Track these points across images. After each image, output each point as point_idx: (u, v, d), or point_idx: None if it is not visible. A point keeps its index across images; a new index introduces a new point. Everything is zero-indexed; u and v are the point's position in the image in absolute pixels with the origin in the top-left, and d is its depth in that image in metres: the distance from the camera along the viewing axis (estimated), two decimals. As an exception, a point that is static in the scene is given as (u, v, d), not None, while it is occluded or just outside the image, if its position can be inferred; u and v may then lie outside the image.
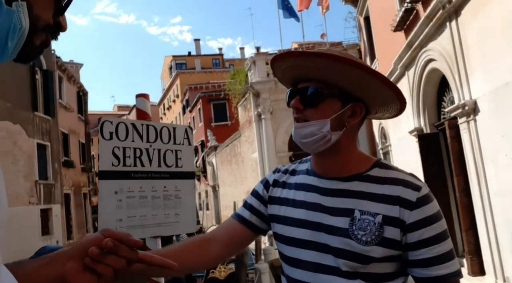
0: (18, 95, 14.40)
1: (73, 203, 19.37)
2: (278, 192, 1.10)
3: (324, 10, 15.69)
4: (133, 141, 1.89)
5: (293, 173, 1.12)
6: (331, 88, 0.95)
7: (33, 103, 15.51)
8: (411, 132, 7.53)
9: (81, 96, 23.06)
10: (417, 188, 0.91)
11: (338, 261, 0.91)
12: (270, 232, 1.12)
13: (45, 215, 15.44)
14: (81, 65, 26.95)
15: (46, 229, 15.34)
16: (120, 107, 51.78)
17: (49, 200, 15.81)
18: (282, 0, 15.93)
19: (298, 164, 1.15)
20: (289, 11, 16.09)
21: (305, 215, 0.99)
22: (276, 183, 1.12)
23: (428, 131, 7.21)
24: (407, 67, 7.72)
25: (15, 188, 13.44)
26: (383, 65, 9.18)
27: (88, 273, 0.64)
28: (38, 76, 16.27)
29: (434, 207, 0.90)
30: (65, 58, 21.92)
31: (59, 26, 0.64)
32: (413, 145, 7.43)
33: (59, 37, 0.66)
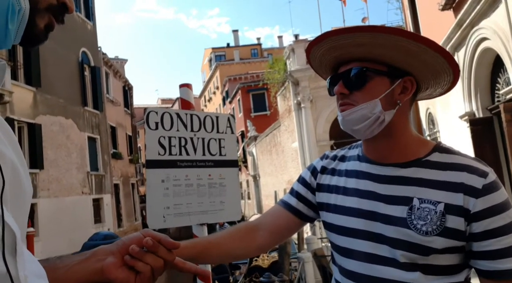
0: (69, 92, 15.26)
1: (122, 192, 20.35)
2: (327, 179, 1.05)
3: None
4: (177, 130, 1.92)
5: (343, 159, 1.06)
6: (376, 66, 0.89)
7: (83, 98, 16.37)
8: (462, 117, 7.11)
9: (127, 90, 24.01)
10: (483, 174, 0.83)
11: (395, 252, 0.86)
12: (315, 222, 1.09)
13: (97, 204, 16.37)
14: (126, 60, 28.01)
15: (98, 218, 16.27)
16: (164, 100, 53.37)
17: (100, 190, 16.74)
18: None
19: (347, 149, 1.09)
20: None
21: (357, 203, 0.94)
22: (324, 170, 1.07)
23: (481, 115, 6.77)
24: (456, 48, 7.27)
25: (69, 179, 14.35)
26: (429, 47, 8.69)
27: (126, 269, 0.66)
28: (86, 73, 17.11)
29: (502, 194, 0.83)
30: (110, 54, 22.88)
31: (64, 7, 0.61)
32: (464, 130, 7.02)
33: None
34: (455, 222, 0.82)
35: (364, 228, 0.91)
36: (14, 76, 12.12)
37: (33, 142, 12.66)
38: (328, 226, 1.02)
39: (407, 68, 0.89)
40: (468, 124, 6.88)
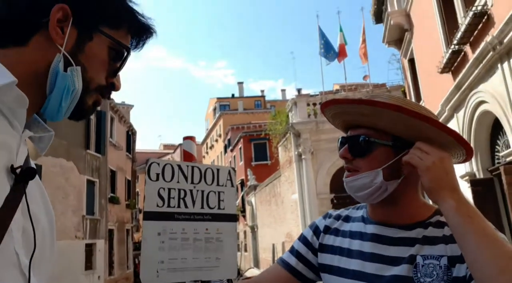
0: (73, 134, 15.44)
1: (116, 238, 19.81)
2: (330, 240, 1.03)
3: (364, 60, 15.83)
4: (178, 182, 1.92)
5: (347, 219, 1.05)
6: (382, 135, 0.90)
7: (86, 141, 16.53)
8: (462, 177, 7.10)
9: (130, 135, 24.29)
10: None
11: None
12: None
13: (89, 250, 15.87)
14: (132, 106, 28.66)
15: (89, 264, 15.69)
16: (166, 146, 53.74)
17: (94, 235, 16.31)
18: (326, 44, 16.25)
19: (352, 209, 1.08)
20: (328, 53, 16.34)
21: (361, 266, 0.92)
22: (327, 230, 1.05)
23: (482, 176, 6.77)
24: (455, 109, 7.44)
25: (63, 222, 14.04)
26: (429, 107, 8.90)
27: None
28: (92, 116, 17.44)
29: None
30: (117, 99, 23.48)
31: (112, 86, 0.69)
32: (465, 190, 6.97)
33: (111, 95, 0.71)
34: (461, 270, 0.81)
35: None
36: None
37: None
38: None
39: (413, 140, 0.89)
40: (469, 185, 6.85)
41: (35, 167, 0.61)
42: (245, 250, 26.87)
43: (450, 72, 7.52)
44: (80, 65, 0.61)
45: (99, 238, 16.78)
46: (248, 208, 26.11)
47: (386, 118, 0.87)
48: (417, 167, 0.84)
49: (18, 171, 0.56)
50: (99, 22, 0.64)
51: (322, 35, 16.27)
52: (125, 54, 0.68)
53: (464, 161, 0.95)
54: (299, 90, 30.48)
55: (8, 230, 0.52)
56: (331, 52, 16.23)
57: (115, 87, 0.69)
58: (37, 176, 0.65)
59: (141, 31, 0.71)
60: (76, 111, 0.65)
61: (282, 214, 17.26)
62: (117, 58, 0.67)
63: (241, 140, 29.32)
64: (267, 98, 43.25)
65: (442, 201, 0.81)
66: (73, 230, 14.71)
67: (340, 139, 0.98)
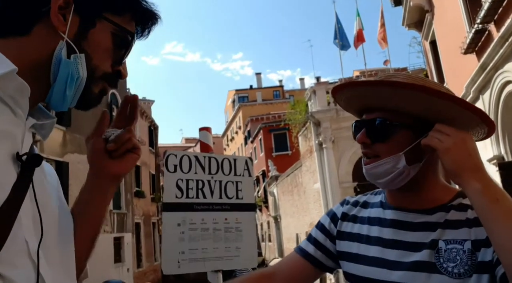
0: (97, 131, 15.79)
1: (143, 231, 20.30)
2: (348, 227, 1.01)
3: (384, 45, 15.44)
4: (195, 173, 1.93)
5: (365, 205, 1.03)
6: (401, 117, 0.86)
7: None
8: (490, 160, 6.87)
9: (152, 130, 24.69)
10: None
11: None
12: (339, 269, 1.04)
13: (118, 243, 16.34)
14: (153, 101, 29.08)
15: (118, 257, 16.17)
16: (188, 140, 54.41)
17: (121, 229, 16.77)
18: (340, 32, 16.00)
19: (370, 195, 1.06)
20: (344, 42, 16.09)
21: (381, 253, 0.90)
22: (345, 217, 1.03)
23: (510, 159, 6.53)
24: (481, 90, 7.18)
25: (92, 217, 14.46)
26: (453, 89, 8.62)
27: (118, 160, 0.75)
28: (114, 113, 17.79)
29: None
30: (138, 95, 23.81)
31: (118, 74, 0.68)
32: (493, 174, 6.75)
33: (118, 84, 0.71)
34: (487, 255, 0.78)
35: (389, 279, 0.86)
36: (47, 117, 12.73)
37: (59, 179, 13.00)
38: (350, 277, 0.97)
39: (434, 121, 0.85)
40: (497, 168, 6.63)
41: (40, 154, 0.61)
42: (269, 240, 27.04)
43: (474, 53, 7.24)
44: (84, 53, 0.61)
45: (126, 231, 17.25)
46: (270, 199, 26.19)
47: (406, 100, 0.83)
48: (437, 149, 0.81)
49: (24, 158, 0.56)
50: (102, 9, 0.63)
51: (338, 22, 15.99)
52: (130, 39, 0.67)
53: (484, 138, 0.91)
54: (317, 78, 30.15)
55: (17, 218, 0.52)
56: (344, 40, 15.96)
57: (122, 75, 0.68)
58: (46, 165, 0.67)
59: (145, 17, 0.70)
60: (82, 101, 0.64)
61: (305, 203, 17.23)
62: (122, 45, 0.67)
63: (261, 131, 29.32)
64: (285, 88, 43.03)
65: (466, 183, 0.78)
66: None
67: (354, 124, 0.95)
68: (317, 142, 14.39)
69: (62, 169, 13.18)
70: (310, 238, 1.07)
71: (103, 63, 0.64)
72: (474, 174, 0.78)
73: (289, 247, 20.26)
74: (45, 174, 0.66)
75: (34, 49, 0.59)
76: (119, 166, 0.73)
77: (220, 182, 1.99)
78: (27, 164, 0.56)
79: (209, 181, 1.96)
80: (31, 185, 0.56)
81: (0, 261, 0.49)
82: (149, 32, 0.73)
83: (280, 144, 28.18)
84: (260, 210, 28.25)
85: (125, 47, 0.67)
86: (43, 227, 0.56)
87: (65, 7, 0.60)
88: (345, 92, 0.92)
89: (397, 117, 0.86)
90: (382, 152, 0.87)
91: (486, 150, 7.01)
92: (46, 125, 0.66)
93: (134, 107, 0.76)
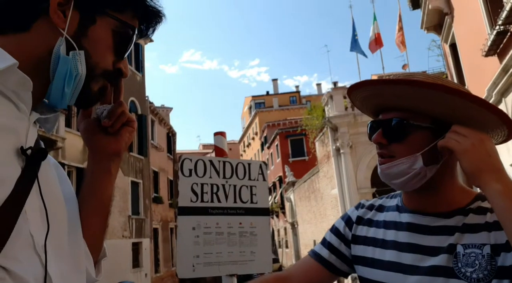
0: (116, 138, 16.10)
1: (161, 237, 20.48)
2: (363, 231, 0.99)
3: (403, 48, 15.24)
4: (210, 177, 1.94)
5: (380, 209, 1.00)
6: (419, 118, 0.84)
7: (129, 144, 17.19)
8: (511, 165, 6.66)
9: (170, 137, 25.00)
10: None
11: None
12: (354, 275, 1.01)
13: (136, 249, 16.52)
14: (171, 109, 29.50)
15: (136, 262, 16.34)
16: (205, 146, 54.82)
17: (139, 234, 16.96)
18: (355, 39, 15.94)
19: (385, 199, 1.04)
20: (357, 46, 16.04)
21: (397, 257, 0.88)
22: (360, 220, 1.02)
23: (536, 164, 6.31)
24: (503, 93, 6.98)
25: (111, 222, 14.61)
26: (475, 92, 8.27)
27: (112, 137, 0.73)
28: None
29: None
30: (157, 103, 24.23)
31: (119, 72, 0.67)
32: (518, 179, 6.53)
33: (132, 75, 0.69)
34: (508, 259, 0.75)
35: None
36: (68, 124, 13.05)
37: (80, 185, 13.28)
38: (365, 282, 0.95)
39: (453, 121, 0.82)
40: (522, 173, 6.42)
41: (45, 147, 0.61)
42: (286, 247, 26.84)
43: (496, 55, 7.07)
44: (84, 50, 0.60)
45: (144, 236, 17.43)
46: (287, 205, 26.04)
47: (425, 99, 0.81)
48: (454, 151, 0.79)
49: (29, 152, 0.56)
50: (102, 5, 0.63)
51: (354, 30, 15.94)
52: (131, 34, 0.66)
53: (505, 141, 0.88)
54: (335, 83, 29.94)
55: (22, 212, 0.52)
56: (357, 48, 15.91)
57: (123, 73, 0.67)
58: (52, 160, 0.66)
59: (148, 15, 0.69)
60: (81, 98, 0.63)
61: (322, 209, 17.06)
62: (123, 42, 0.66)
63: (278, 137, 29.29)
64: (302, 93, 42.95)
65: (485, 185, 0.75)
66: (120, 230, 15.38)
67: (370, 124, 0.93)
68: (334, 147, 14.26)
69: (82, 175, 13.47)
70: (324, 242, 1.06)
71: (103, 60, 0.63)
72: (493, 175, 0.75)
73: (306, 253, 20.04)
74: (51, 166, 0.66)
75: (34, 45, 0.59)
76: (116, 142, 0.72)
77: (235, 186, 1.99)
78: (32, 158, 0.56)
79: (223, 185, 1.96)
80: (36, 179, 0.56)
81: (5, 256, 0.49)
82: (153, 31, 0.72)
83: (296, 150, 28.08)
84: (277, 216, 28.12)
85: (126, 44, 0.66)
86: (50, 220, 0.56)
87: (65, 3, 0.60)
88: (362, 91, 0.91)
89: (414, 117, 0.84)
90: (399, 152, 0.85)
91: (510, 154, 6.79)
92: (50, 119, 0.66)
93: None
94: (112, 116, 0.70)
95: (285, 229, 27.40)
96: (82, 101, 0.65)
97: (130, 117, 0.73)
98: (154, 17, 0.70)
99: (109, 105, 0.71)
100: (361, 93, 0.92)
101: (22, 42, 0.58)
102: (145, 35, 0.72)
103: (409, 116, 0.85)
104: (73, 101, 0.63)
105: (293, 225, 24.38)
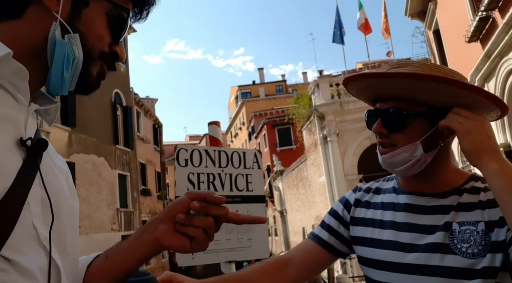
0: (102, 131, 15.91)
1: (150, 229, 20.40)
2: (362, 212, 1.03)
3: (387, 36, 15.34)
4: (206, 167, 1.95)
5: (377, 191, 1.05)
6: (417, 106, 0.88)
7: (115, 137, 17.00)
8: (496, 149, 6.85)
9: (157, 128, 24.76)
10: None
11: (440, 281, 0.83)
12: (343, 260, 1.05)
13: (126, 241, 16.45)
14: (156, 100, 29.14)
15: (126, 255, 16.30)
16: (192, 137, 54.51)
17: (128, 227, 16.89)
18: (339, 27, 15.93)
19: (382, 181, 1.08)
20: (337, 36, 16.03)
21: (395, 236, 0.92)
22: (358, 203, 1.05)
23: (517, 147, 6.51)
24: (486, 79, 7.14)
25: (99, 216, 14.61)
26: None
27: (180, 236, 0.63)
28: (118, 112, 17.87)
29: None
30: (142, 94, 23.94)
31: (115, 56, 0.66)
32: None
33: (116, 66, 0.67)
34: (501, 234, 0.80)
35: (404, 261, 0.88)
36: (53, 117, 12.81)
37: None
38: (365, 261, 0.99)
39: (447, 108, 0.87)
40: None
41: (46, 138, 0.59)
42: (276, 235, 27.14)
43: (479, 41, 7.20)
44: (79, 33, 0.59)
45: (134, 229, 17.36)
46: (276, 193, 26.23)
47: (423, 89, 0.85)
48: (456, 131, 0.83)
49: (28, 143, 0.54)
50: None
51: (337, 14, 15.93)
52: (126, 17, 0.65)
53: (498, 118, 0.93)
54: (320, 71, 30.01)
55: (25, 204, 0.51)
56: (340, 33, 15.91)
57: (118, 57, 0.66)
58: (52, 150, 0.65)
59: None
60: (80, 83, 0.63)
61: (311, 197, 17.26)
62: (118, 23, 0.64)
63: (265, 126, 29.32)
64: (288, 82, 42.92)
65: (484, 164, 0.80)
66: (109, 223, 15.28)
67: (368, 113, 0.96)
68: (321, 135, 14.37)
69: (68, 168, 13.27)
70: (323, 225, 1.09)
71: (99, 42, 0.63)
72: (492, 156, 0.80)
73: (296, 240, 20.32)
74: (53, 158, 0.65)
75: (28, 32, 0.58)
76: (174, 240, 0.63)
77: (231, 174, 2.01)
78: (33, 149, 0.55)
79: (219, 174, 1.98)
80: (39, 170, 0.55)
81: (9, 247, 0.48)
82: (147, 14, 0.71)
83: (284, 139, 28.19)
84: (266, 205, 28.24)
85: (121, 25, 0.65)
86: (53, 211, 0.55)
87: None
88: (358, 84, 0.94)
89: (412, 106, 0.88)
90: (400, 141, 0.89)
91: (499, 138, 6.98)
92: (50, 111, 0.65)
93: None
94: (201, 221, 0.62)
95: (274, 217, 27.65)
96: (82, 86, 0.64)
97: (211, 234, 0.64)
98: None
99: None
100: (358, 85, 0.94)
101: (16, 30, 0.57)
102: (139, 18, 0.70)
103: (407, 105, 0.88)
104: (73, 86, 0.62)
105: (282, 213, 24.61)
